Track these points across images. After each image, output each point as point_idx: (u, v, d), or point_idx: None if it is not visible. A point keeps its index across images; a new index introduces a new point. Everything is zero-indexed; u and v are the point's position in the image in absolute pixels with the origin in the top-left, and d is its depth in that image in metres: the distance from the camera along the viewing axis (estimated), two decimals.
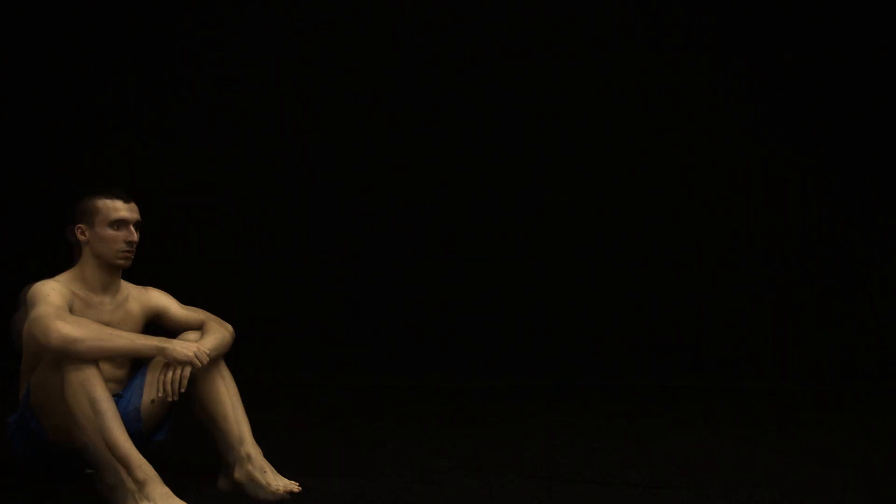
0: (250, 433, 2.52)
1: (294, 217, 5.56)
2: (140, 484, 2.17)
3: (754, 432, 3.77)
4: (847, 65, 5.65)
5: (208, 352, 2.43)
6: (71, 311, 2.39)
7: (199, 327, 2.64)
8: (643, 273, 5.49)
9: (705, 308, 5.42)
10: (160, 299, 2.73)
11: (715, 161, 5.53)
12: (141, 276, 2.74)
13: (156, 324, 2.72)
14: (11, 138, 5.50)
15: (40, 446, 2.46)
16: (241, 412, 2.54)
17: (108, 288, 2.59)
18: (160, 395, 2.44)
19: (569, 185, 5.55)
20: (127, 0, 5.59)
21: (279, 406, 4.25)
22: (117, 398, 2.51)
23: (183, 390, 2.38)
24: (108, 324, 2.48)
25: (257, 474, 2.45)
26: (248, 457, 2.48)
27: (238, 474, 2.51)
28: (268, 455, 2.52)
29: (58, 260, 2.74)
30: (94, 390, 2.21)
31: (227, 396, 2.53)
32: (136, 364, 2.68)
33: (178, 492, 2.22)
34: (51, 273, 2.54)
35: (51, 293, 2.36)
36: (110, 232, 2.52)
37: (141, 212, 2.60)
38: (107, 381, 2.30)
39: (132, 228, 2.55)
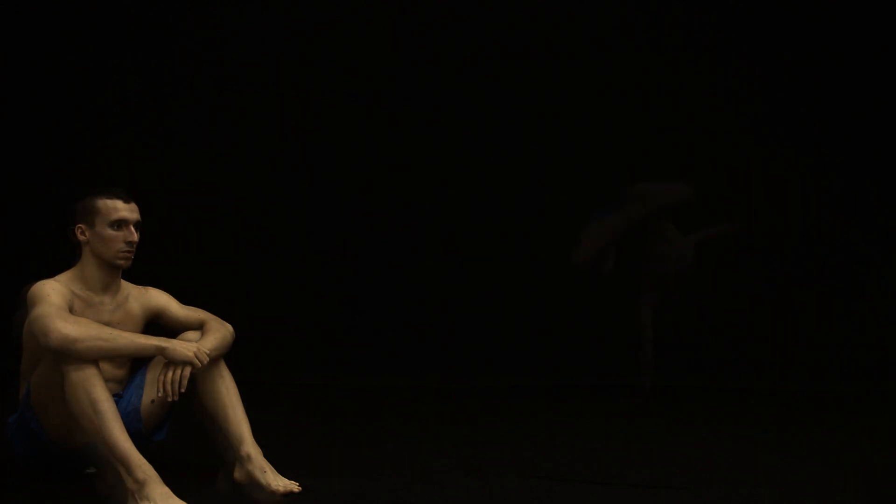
0: (250, 433, 2.52)
1: (294, 217, 5.57)
2: (140, 484, 2.17)
3: (754, 432, 3.77)
4: (847, 65, 5.65)
5: (208, 352, 2.43)
6: (71, 311, 2.39)
7: (199, 327, 2.64)
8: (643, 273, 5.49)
9: (705, 308, 5.42)
10: (160, 299, 2.73)
11: (715, 161, 5.53)
12: (141, 276, 2.74)
13: (156, 323, 2.71)
14: (11, 138, 5.50)
15: (40, 446, 2.46)
16: (241, 412, 2.54)
17: (108, 288, 2.59)
18: (160, 395, 2.43)
19: (569, 185, 5.55)
20: (127, 0, 5.59)
21: (279, 406, 4.25)
22: (117, 398, 2.51)
23: (183, 390, 2.37)
24: (108, 324, 2.48)
25: (257, 474, 2.45)
26: (248, 457, 2.47)
27: (238, 474, 2.52)
28: (268, 455, 2.52)
29: (58, 260, 2.74)
30: (94, 390, 2.21)
31: (227, 396, 2.53)
32: (136, 364, 2.68)
33: (178, 492, 2.21)
34: (51, 273, 2.53)
35: (51, 293, 2.36)
36: (110, 232, 2.52)
37: (141, 212, 2.60)
38: (107, 381, 2.30)
39: (132, 228, 2.55)
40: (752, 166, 5.62)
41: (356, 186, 5.62)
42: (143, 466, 2.19)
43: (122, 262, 2.56)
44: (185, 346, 2.37)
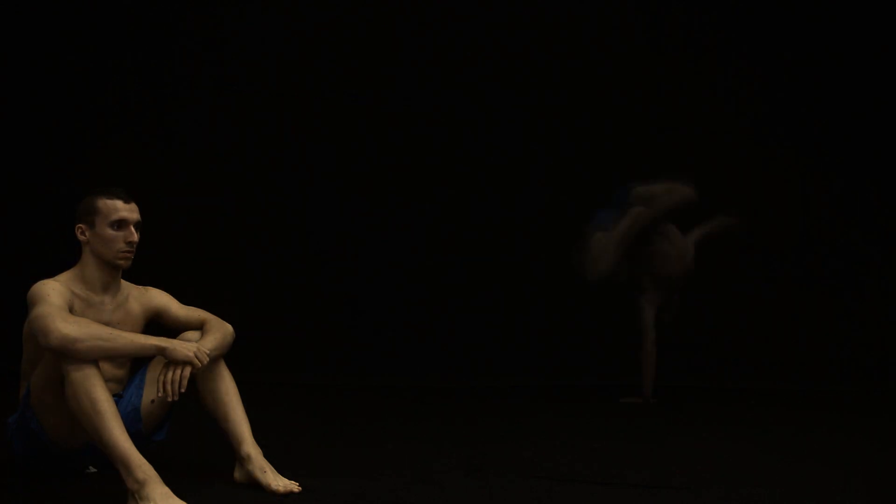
0: (250, 433, 2.52)
1: (294, 217, 5.57)
2: (140, 484, 2.17)
3: (754, 432, 3.77)
4: (847, 65, 5.65)
5: (208, 352, 2.43)
6: (71, 310, 2.39)
7: (199, 327, 2.64)
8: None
9: (705, 308, 5.42)
10: (160, 299, 2.73)
11: (715, 161, 5.53)
12: (141, 276, 2.74)
13: (156, 323, 2.72)
14: (12, 138, 5.50)
15: (40, 446, 2.46)
16: (241, 412, 2.54)
17: (108, 288, 2.59)
18: (160, 394, 2.43)
19: (569, 185, 5.55)
20: (127, 0, 5.59)
21: (279, 406, 4.25)
22: (117, 398, 2.51)
23: (183, 390, 2.37)
24: (108, 324, 2.48)
25: (257, 474, 2.46)
26: (248, 457, 2.48)
27: (238, 474, 2.52)
28: (268, 455, 2.52)
29: (58, 260, 2.74)
30: (94, 390, 2.21)
31: (227, 396, 2.53)
32: (136, 364, 2.68)
33: (178, 492, 2.21)
34: (51, 273, 2.54)
35: (51, 293, 2.36)
36: (110, 232, 2.52)
37: (141, 212, 2.60)
38: (107, 381, 2.30)
39: (132, 229, 2.55)
40: (752, 166, 5.63)
41: (356, 186, 5.62)
42: (143, 466, 2.19)
43: (122, 262, 2.56)
44: (185, 346, 2.37)
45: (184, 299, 2.78)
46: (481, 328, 5.53)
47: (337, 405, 4.52)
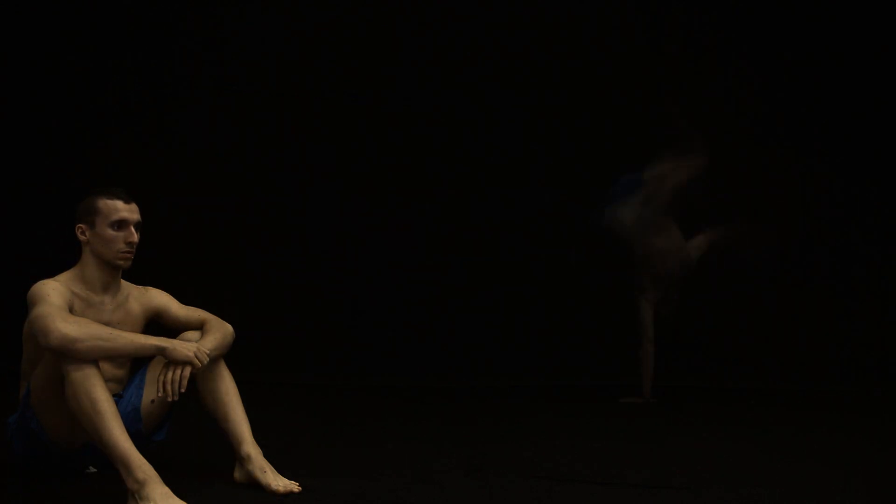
0: (250, 433, 2.52)
1: (294, 217, 5.57)
2: (140, 484, 2.16)
3: (754, 432, 3.77)
4: (847, 65, 5.65)
5: (208, 352, 2.43)
6: (71, 310, 2.39)
7: (200, 327, 2.64)
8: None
9: (705, 308, 5.42)
10: (160, 299, 2.73)
11: (715, 161, 5.52)
12: (141, 276, 2.74)
13: (156, 323, 2.72)
14: (12, 138, 5.50)
15: (40, 446, 2.46)
16: (241, 412, 2.54)
17: (108, 288, 2.59)
18: (160, 394, 2.43)
19: (569, 185, 5.55)
20: (127, 0, 5.59)
21: (279, 406, 4.25)
22: (117, 398, 2.51)
23: (183, 390, 2.37)
24: (108, 324, 2.48)
25: (257, 474, 2.46)
26: (248, 457, 2.48)
27: (238, 474, 2.52)
28: (268, 455, 2.52)
29: (58, 260, 2.74)
30: (94, 390, 2.21)
31: (227, 396, 2.53)
32: (136, 364, 2.68)
33: (178, 492, 2.21)
34: (51, 273, 2.54)
35: (51, 293, 2.36)
36: (110, 232, 2.52)
37: (141, 212, 2.60)
38: (107, 381, 2.30)
39: (132, 229, 2.55)
40: (752, 166, 5.62)
41: (356, 186, 5.62)
42: (143, 466, 2.19)
43: (122, 262, 2.56)
44: (185, 346, 2.37)
45: (184, 299, 2.78)
46: (481, 328, 5.53)
47: (337, 405, 4.52)
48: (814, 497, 2.55)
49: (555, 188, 5.59)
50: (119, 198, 2.54)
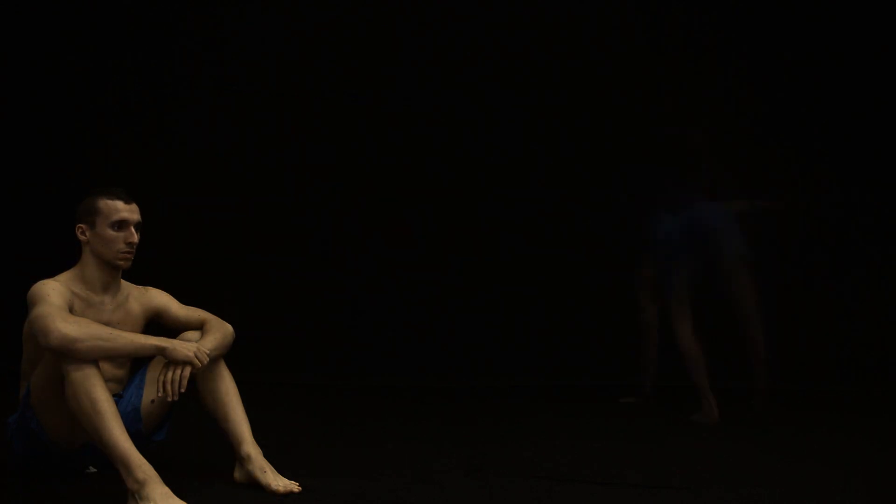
0: (250, 433, 2.53)
1: (294, 217, 5.56)
2: (140, 484, 2.17)
3: (754, 432, 3.77)
4: (847, 65, 5.65)
5: (208, 352, 2.43)
6: (71, 310, 2.39)
7: (199, 327, 2.64)
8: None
9: (705, 308, 5.41)
10: (160, 299, 2.73)
11: (714, 161, 5.52)
12: (141, 276, 2.74)
13: (156, 323, 2.72)
14: (12, 138, 5.50)
15: (40, 446, 2.46)
16: (241, 412, 2.54)
17: (108, 288, 2.59)
18: (160, 394, 2.44)
19: (569, 185, 5.55)
20: (127, 0, 5.59)
21: (279, 406, 4.25)
22: (117, 398, 2.51)
23: (183, 390, 2.38)
24: (108, 324, 2.48)
25: (257, 474, 2.46)
26: (248, 457, 2.48)
27: (238, 474, 2.52)
28: (268, 455, 2.52)
29: (58, 260, 2.74)
30: (94, 390, 2.21)
31: (227, 396, 2.53)
32: (136, 364, 2.68)
33: (178, 492, 2.22)
34: (51, 273, 2.54)
35: (51, 293, 2.36)
36: (111, 233, 2.52)
37: (141, 212, 2.60)
38: (107, 381, 2.30)
39: (133, 229, 2.55)
40: (752, 166, 5.62)
41: (356, 186, 5.62)
42: (143, 466, 2.19)
43: (122, 262, 2.56)
44: (185, 346, 2.37)
45: (184, 299, 2.78)
46: (481, 328, 5.52)
47: (337, 405, 4.52)
48: (814, 497, 2.55)
49: (555, 188, 5.59)
50: (119, 198, 2.54)
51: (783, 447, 3.39)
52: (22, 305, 2.42)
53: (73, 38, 5.52)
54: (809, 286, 5.64)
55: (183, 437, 2.90)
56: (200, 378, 2.52)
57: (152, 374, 2.63)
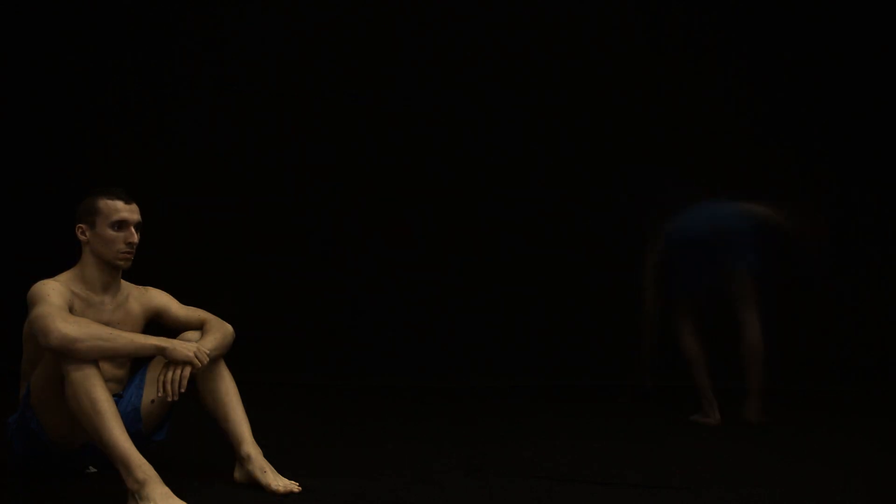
0: (250, 433, 2.53)
1: (294, 217, 5.56)
2: (140, 484, 2.17)
3: (754, 432, 3.77)
4: (847, 65, 5.65)
5: (208, 352, 2.43)
6: (71, 310, 2.39)
7: (200, 327, 2.64)
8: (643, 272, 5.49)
9: (705, 308, 5.41)
10: (160, 299, 2.73)
11: (715, 161, 5.53)
12: (141, 276, 2.74)
13: (156, 323, 2.72)
14: (12, 138, 5.50)
15: (40, 446, 2.46)
16: (241, 412, 2.54)
17: (108, 288, 2.59)
18: (160, 394, 2.44)
19: (569, 185, 5.55)
20: (127, 0, 5.59)
21: (279, 406, 4.25)
22: (117, 398, 2.51)
23: (183, 390, 2.38)
24: (108, 324, 2.48)
25: (257, 474, 2.46)
26: (248, 457, 2.48)
27: (238, 474, 2.52)
28: (268, 455, 2.52)
29: (58, 260, 2.74)
30: (94, 390, 2.21)
31: (227, 396, 2.53)
32: (137, 364, 2.68)
33: (178, 492, 2.22)
34: (51, 273, 2.54)
35: (51, 293, 2.36)
36: (111, 233, 2.52)
37: (141, 212, 2.60)
38: (107, 381, 2.30)
39: (133, 229, 2.55)
40: (752, 166, 5.62)
41: (356, 186, 5.62)
42: (143, 466, 2.19)
43: (122, 262, 2.56)
44: (185, 346, 2.37)
45: (184, 299, 2.78)
46: (481, 328, 5.52)
47: (337, 405, 4.52)
48: (814, 497, 2.55)
49: (555, 188, 5.59)
50: (119, 198, 2.54)
51: (783, 447, 3.39)
52: (22, 305, 2.42)
53: (73, 38, 5.52)
54: (810, 286, 5.64)
55: (183, 437, 2.90)
56: (200, 378, 2.52)
57: (152, 374, 2.63)
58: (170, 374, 2.36)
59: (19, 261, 4.89)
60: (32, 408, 2.41)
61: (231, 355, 2.61)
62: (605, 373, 5.37)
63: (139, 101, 5.62)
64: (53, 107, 5.53)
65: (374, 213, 5.60)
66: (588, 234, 5.50)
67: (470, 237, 5.59)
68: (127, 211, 2.54)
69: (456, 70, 5.61)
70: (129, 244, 2.54)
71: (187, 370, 2.37)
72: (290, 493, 2.42)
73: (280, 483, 2.44)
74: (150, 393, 2.61)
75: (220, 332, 2.59)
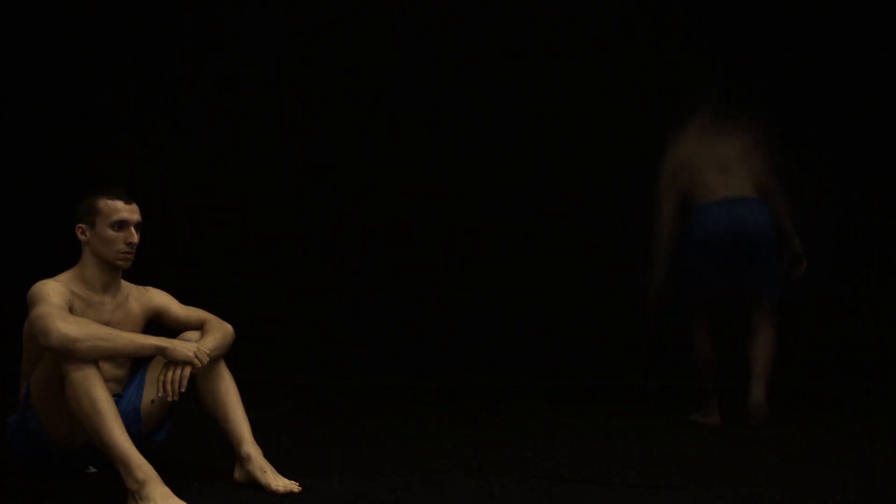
0: (250, 433, 2.53)
1: (294, 217, 5.56)
2: (140, 484, 2.17)
3: (754, 432, 3.77)
4: (847, 65, 5.65)
5: (208, 352, 2.43)
6: (71, 310, 2.39)
7: (200, 327, 2.64)
8: (643, 272, 5.49)
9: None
10: (160, 299, 2.73)
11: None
12: (141, 276, 2.74)
13: (156, 323, 2.72)
14: (12, 138, 5.50)
15: (40, 446, 2.46)
16: (241, 412, 2.54)
17: (108, 288, 2.59)
18: (160, 394, 2.44)
19: (569, 185, 5.55)
20: (127, 0, 5.59)
21: (279, 406, 4.25)
22: (117, 398, 2.51)
23: (183, 390, 2.38)
24: (108, 324, 2.48)
25: (257, 474, 2.46)
26: (248, 457, 2.48)
27: (238, 474, 2.52)
28: (268, 455, 2.52)
29: (58, 260, 2.74)
30: (94, 390, 2.21)
31: (227, 396, 2.53)
32: (137, 364, 2.69)
33: (178, 492, 2.22)
34: (51, 273, 2.54)
35: (51, 293, 2.36)
36: (111, 233, 2.52)
37: (141, 212, 2.60)
38: (107, 381, 2.30)
39: (133, 230, 2.55)
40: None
41: (356, 186, 5.62)
42: (143, 466, 2.19)
43: (122, 262, 2.56)
44: (185, 346, 2.37)
45: (184, 299, 2.78)
46: (481, 328, 5.52)
47: (337, 405, 4.52)
48: (814, 497, 2.55)
49: (555, 188, 5.59)
50: (119, 198, 2.54)
51: (783, 447, 3.39)
52: (22, 305, 2.42)
53: (73, 38, 5.52)
54: (810, 286, 5.63)
55: (183, 437, 2.90)
56: (200, 378, 2.52)
57: (152, 374, 2.63)
58: (170, 374, 2.36)
59: (19, 261, 4.89)
60: (32, 408, 2.41)
61: (231, 355, 2.61)
62: (605, 373, 5.38)
63: (139, 101, 5.62)
64: (53, 107, 5.53)
65: (374, 213, 5.60)
66: (588, 234, 5.50)
67: (470, 237, 5.59)
68: (127, 211, 2.54)
69: (456, 70, 5.61)
70: (130, 244, 2.54)
71: (187, 370, 2.37)
72: (290, 493, 2.42)
73: (280, 483, 2.45)
74: (150, 393, 2.62)
75: (220, 332, 2.59)
